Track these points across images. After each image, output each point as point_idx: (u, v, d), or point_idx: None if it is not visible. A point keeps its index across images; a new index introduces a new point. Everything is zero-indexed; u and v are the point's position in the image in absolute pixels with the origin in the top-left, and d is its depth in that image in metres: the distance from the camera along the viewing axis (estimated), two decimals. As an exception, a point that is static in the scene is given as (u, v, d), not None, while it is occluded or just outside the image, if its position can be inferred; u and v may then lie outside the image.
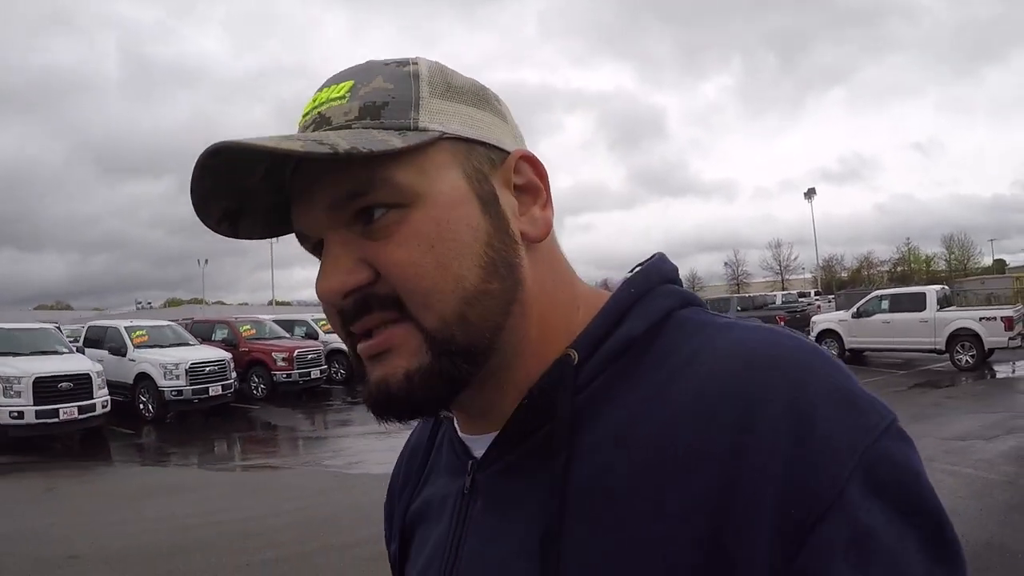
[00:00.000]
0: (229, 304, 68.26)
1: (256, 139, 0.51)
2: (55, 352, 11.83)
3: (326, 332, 19.12)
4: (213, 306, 58.80)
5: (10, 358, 10.98)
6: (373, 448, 10.18)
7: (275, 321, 18.68)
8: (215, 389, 13.51)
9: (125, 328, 14.03)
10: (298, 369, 15.78)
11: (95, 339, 14.03)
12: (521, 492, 0.59)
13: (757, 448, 0.47)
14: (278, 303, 70.55)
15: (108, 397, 11.54)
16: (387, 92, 0.58)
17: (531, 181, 0.63)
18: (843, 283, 56.93)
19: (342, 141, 0.53)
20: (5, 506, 7.38)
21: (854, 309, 16.77)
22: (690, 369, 0.54)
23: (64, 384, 10.67)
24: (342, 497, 7.46)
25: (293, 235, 0.62)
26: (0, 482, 8.82)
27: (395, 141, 0.55)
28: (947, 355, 14.52)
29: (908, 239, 74.91)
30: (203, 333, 16.03)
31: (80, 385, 10.92)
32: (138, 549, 5.73)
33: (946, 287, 18.82)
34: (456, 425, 0.70)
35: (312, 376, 16.24)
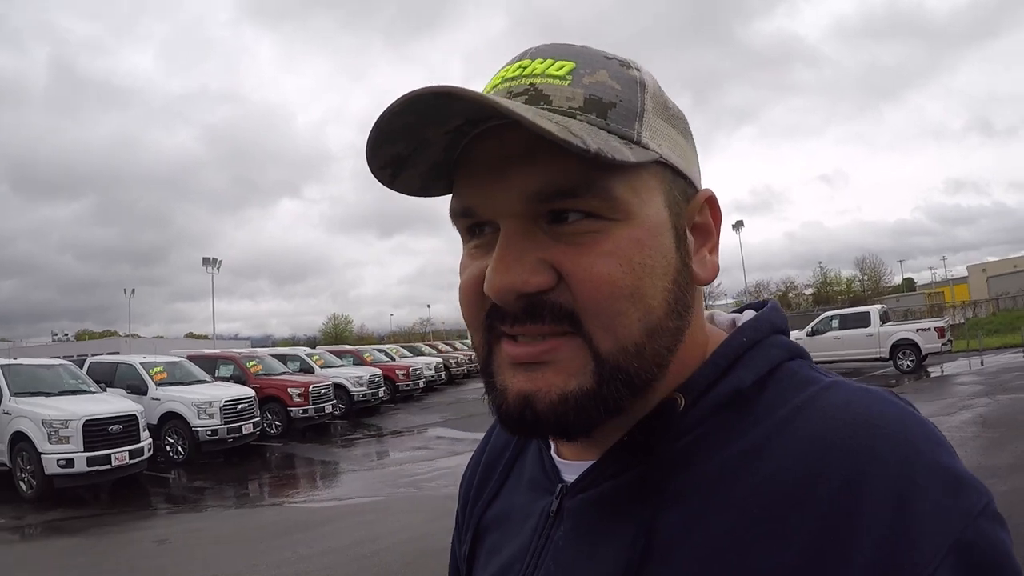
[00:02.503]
0: (144, 337, 64.20)
1: (500, 100, 0.48)
2: (84, 391, 10.67)
3: (321, 367, 18.48)
4: (125, 339, 54.99)
5: (43, 398, 9.81)
6: (445, 467, 10.43)
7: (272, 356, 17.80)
8: (247, 427, 12.63)
9: (142, 364, 12.85)
10: (313, 404, 15.10)
11: (102, 377, 12.62)
12: (607, 526, 0.58)
13: (855, 524, 0.46)
14: (195, 337, 67.41)
15: (151, 440, 10.45)
16: (615, 92, 0.55)
17: (708, 223, 0.62)
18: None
19: (589, 138, 0.50)
20: (130, 563, 6.57)
21: (809, 328, 19.37)
22: (792, 427, 0.52)
23: (115, 427, 9.56)
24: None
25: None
26: (83, 539, 7.71)
27: (627, 153, 0.52)
28: (891, 361, 17.77)
29: (820, 263, 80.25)
30: (206, 369, 14.86)
31: (129, 427, 9.84)
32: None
33: (885, 306, 22.14)
34: (551, 443, 0.69)
35: (326, 411, 15.61)
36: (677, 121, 0.61)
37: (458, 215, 0.59)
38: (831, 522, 0.46)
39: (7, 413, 9.45)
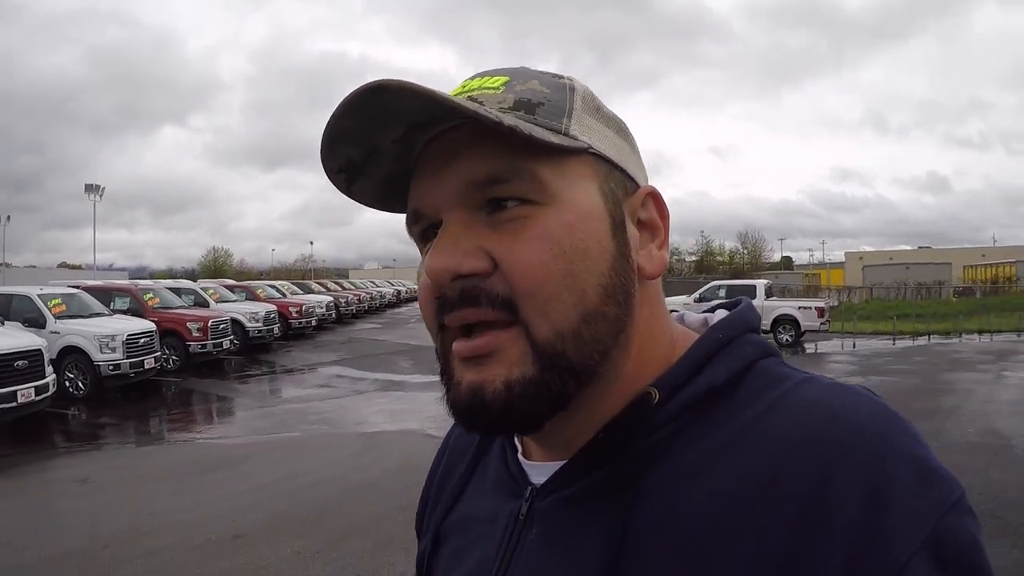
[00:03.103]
0: (16, 266, 59.70)
1: (422, 85, 0.50)
2: (-22, 326, 10.26)
3: (216, 302, 18.28)
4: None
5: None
6: (352, 406, 10.92)
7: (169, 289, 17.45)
8: (148, 362, 12.61)
9: (39, 296, 12.44)
10: (212, 339, 15.14)
11: None
12: (580, 527, 0.58)
13: (829, 516, 0.46)
14: (69, 267, 63.15)
15: (55, 375, 10.28)
16: (543, 94, 0.59)
17: (653, 219, 0.63)
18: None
19: (505, 117, 0.52)
20: (53, 504, 6.65)
21: (696, 295, 20.38)
22: (765, 423, 0.53)
23: (20, 363, 9.37)
24: (377, 457, 7.91)
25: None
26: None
27: (549, 136, 0.55)
28: (771, 334, 18.47)
29: (703, 232, 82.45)
30: (102, 302, 14.38)
31: (34, 363, 9.65)
32: (289, 513, 5.88)
33: (770, 281, 23.69)
34: (517, 445, 0.69)
35: (224, 346, 15.68)
36: (611, 121, 0.63)
37: (410, 222, 0.60)
38: (805, 514, 0.47)
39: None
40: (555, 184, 0.56)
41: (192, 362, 14.89)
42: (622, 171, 0.61)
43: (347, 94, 0.51)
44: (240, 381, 14.49)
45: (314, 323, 23.19)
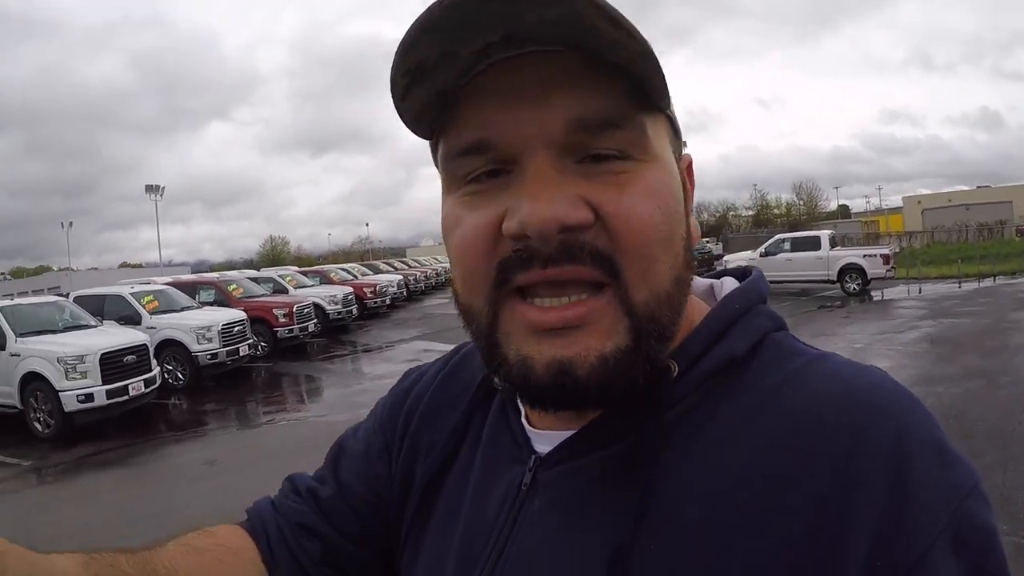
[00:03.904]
0: (78, 270, 62.11)
1: None
2: (85, 326, 10.55)
3: (295, 288, 18.55)
4: (64, 273, 53.28)
5: (50, 336, 9.73)
6: None
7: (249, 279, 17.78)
8: (243, 349, 12.81)
9: (132, 295, 12.74)
10: (297, 324, 15.34)
11: (90, 311, 12.42)
12: (589, 500, 0.55)
13: (853, 494, 0.45)
14: (130, 266, 65.37)
15: (159, 368, 10.55)
16: (643, 40, 0.51)
17: (687, 187, 0.60)
18: (711, 227, 60.97)
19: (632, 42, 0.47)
20: (194, 484, 6.81)
21: (761, 249, 20.50)
22: (784, 397, 0.51)
23: (129, 358, 9.61)
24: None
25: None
26: (127, 470, 7.85)
27: (664, 93, 0.52)
28: (838, 284, 18.81)
29: (755, 185, 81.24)
30: (188, 295, 14.65)
31: (141, 357, 9.90)
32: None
33: (834, 231, 23.59)
34: (520, 408, 0.65)
35: (309, 329, 15.88)
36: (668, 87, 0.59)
37: (462, 152, 0.53)
38: (827, 495, 0.46)
39: (15, 354, 9.33)
40: (656, 142, 0.53)
41: (279, 347, 15.13)
42: (679, 138, 0.59)
43: None
44: (328, 361, 14.65)
45: (388, 302, 23.46)
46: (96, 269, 65.14)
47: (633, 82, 0.49)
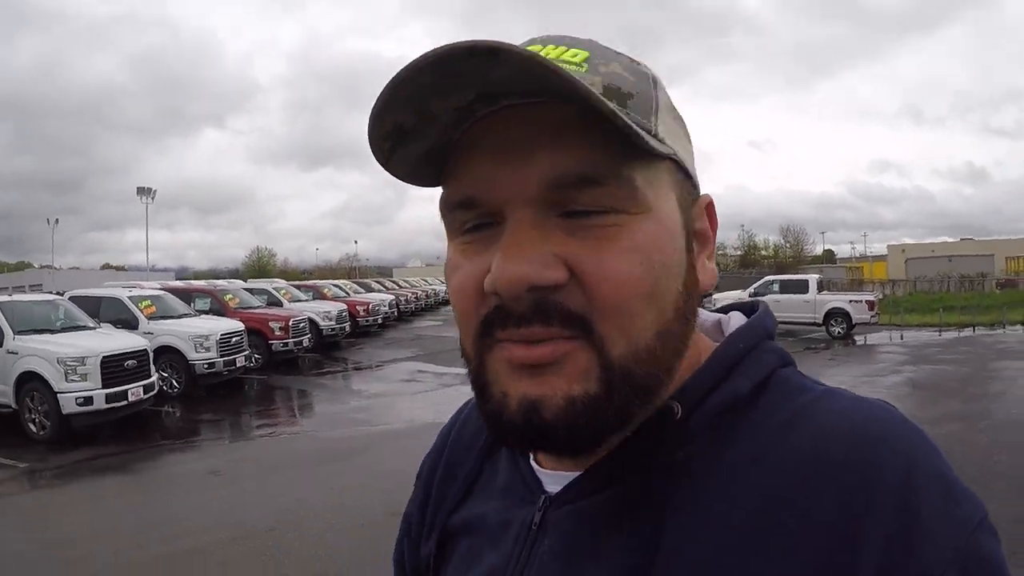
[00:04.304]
0: (60, 268, 61.18)
1: (529, 51, 0.43)
2: (84, 327, 10.36)
3: (289, 301, 18.45)
4: (45, 271, 52.48)
5: (49, 336, 9.54)
6: (444, 399, 10.70)
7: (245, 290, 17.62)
8: (239, 360, 12.65)
9: (130, 298, 12.55)
10: (292, 338, 15.22)
11: (87, 312, 12.09)
12: (600, 540, 0.54)
13: (862, 528, 0.45)
14: (113, 268, 64.63)
15: (157, 375, 10.38)
16: (631, 83, 0.53)
17: (706, 229, 0.60)
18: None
19: (618, 110, 0.47)
20: (202, 494, 6.68)
21: (751, 290, 21.02)
22: (792, 436, 0.51)
23: (130, 362, 9.43)
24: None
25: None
26: (129, 476, 7.71)
27: (651, 141, 0.50)
28: (823, 327, 19.62)
29: (743, 226, 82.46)
30: (183, 302, 14.48)
31: (141, 362, 9.73)
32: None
33: (821, 276, 24.55)
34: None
35: (303, 344, 15.77)
36: (682, 123, 0.59)
37: (455, 206, 0.53)
38: (836, 532, 0.46)
39: (12, 352, 9.12)
40: (647, 193, 0.51)
41: (273, 360, 14.98)
42: (691, 181, 0.58)
43: (436, 49, 0.44)
44: (322, 377, 14.56)
45: (380, 321, 23.40)
46: (78, 269, 64.08)
47: (618, 132, 0.48)
